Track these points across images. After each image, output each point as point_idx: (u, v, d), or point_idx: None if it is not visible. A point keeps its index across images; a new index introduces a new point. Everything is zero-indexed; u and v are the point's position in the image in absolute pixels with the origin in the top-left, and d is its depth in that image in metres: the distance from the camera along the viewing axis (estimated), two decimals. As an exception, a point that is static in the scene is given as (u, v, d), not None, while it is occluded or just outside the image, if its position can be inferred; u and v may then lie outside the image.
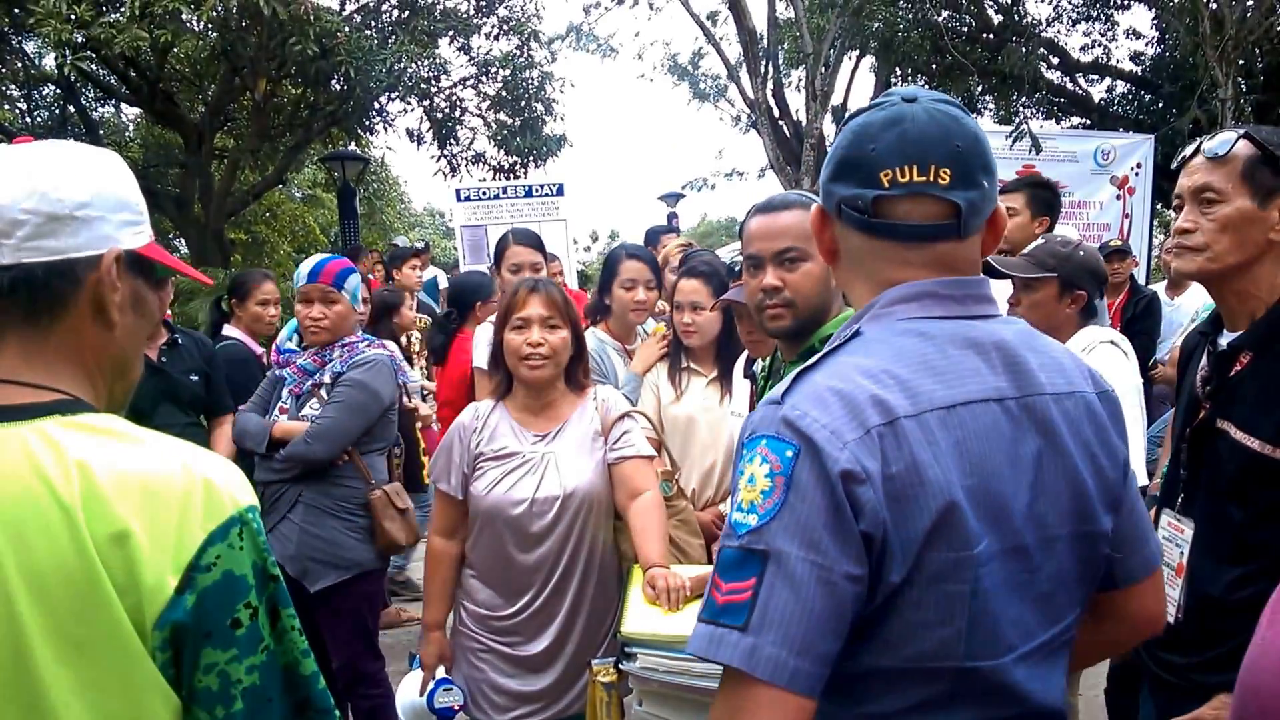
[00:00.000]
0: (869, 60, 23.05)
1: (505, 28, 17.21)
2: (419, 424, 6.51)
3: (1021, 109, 20.54)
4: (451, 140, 17.71)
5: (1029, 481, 1.54)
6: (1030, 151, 11.89)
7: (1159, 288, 8.08)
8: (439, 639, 3.58)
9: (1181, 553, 2.52)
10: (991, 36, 21.00)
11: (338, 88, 15.61)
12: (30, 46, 16.80)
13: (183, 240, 18.52)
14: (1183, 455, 2.56)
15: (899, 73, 21.84)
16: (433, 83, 16.73)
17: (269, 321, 6.17)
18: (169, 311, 5.70)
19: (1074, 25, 23.02)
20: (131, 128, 23.66)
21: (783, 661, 1.37)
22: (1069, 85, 23.03)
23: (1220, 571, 2.40)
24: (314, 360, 4.38)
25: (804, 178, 18.52)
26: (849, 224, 1.62)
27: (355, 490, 4.37)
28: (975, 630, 1.48)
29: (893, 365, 1.50)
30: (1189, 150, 2.50)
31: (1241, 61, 14.77)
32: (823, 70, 19.31)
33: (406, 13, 16.26)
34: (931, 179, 1.55)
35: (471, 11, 16.91)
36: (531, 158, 17.30)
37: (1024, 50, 16.46)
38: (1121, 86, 23.46)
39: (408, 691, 3.66)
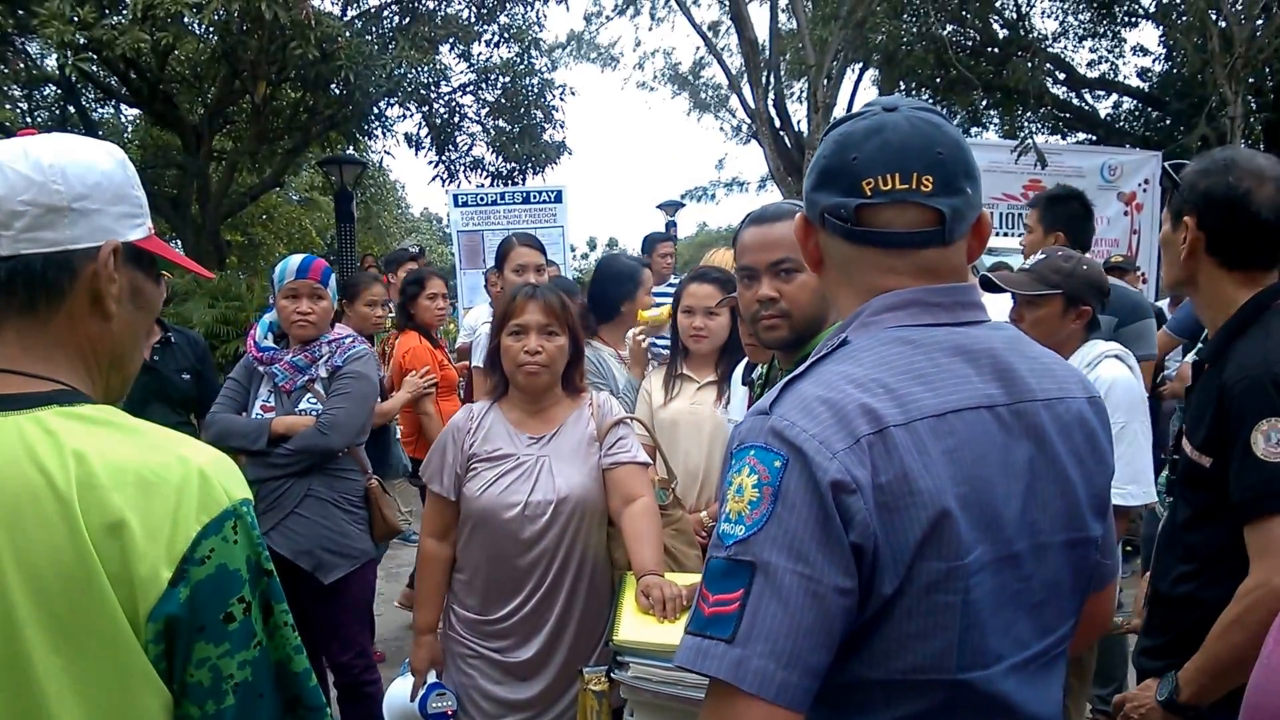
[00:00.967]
0: (872, 72, 23.11)
1: (506, 35, 17.25)
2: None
3: (1027, 124, 20.58)
4: (450, 146, 17.74)
5: (1021, 488, 1.54)
6: (1035, 166, 11.89)
7: (1165, 304, 8.07)
8: (430, 643, 3.55)
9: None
10: (996, 51, 21.06)
11: (337, 92, 15.66)
12: (33, 47, 16.80)
13: (179, 241, 18.49)
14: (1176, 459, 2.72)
15: (902, 86, 21.90)
16: (432, 88, 16.77)
17: (375, 321, 6.33)
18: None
19: (1080, 41, 23.12)
20: (131, 128, 23.69)
21: (770, 674, 1.36)
22: (1075, 101, 23.08)
23: (1168, 568, 2.61)
24: (305, 356, 4.40)
25: (805, 190, 18.54)
26: (833, 233, 1.61)
27: (356, 482, 4.50)
28: (967, 641, 1.47)
29: (881, 373, 1.49)
30: None
31: (1251, 80, 14.79)
32: (825, 82, 19.30)
33: (407, 19, 16.30)
34: (914, 186, 1.55)
35: (472, 19, 16.94)
36: (530, 164, 17.32)
37: (1030, 65, 16.48)
38: (1128, 103, 23.56)
39: (397, 696, 3.65)
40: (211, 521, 1.41)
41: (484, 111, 17.72)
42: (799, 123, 21.97)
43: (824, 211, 1.60)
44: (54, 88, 18.85)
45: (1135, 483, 3.54)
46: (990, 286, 3.55)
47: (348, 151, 19.05)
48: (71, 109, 18.77)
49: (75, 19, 11.81)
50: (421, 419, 6.37)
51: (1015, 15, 20.82)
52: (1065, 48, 22.90)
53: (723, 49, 25.57)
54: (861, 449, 1.41)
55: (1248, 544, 2.35)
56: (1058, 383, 1.64)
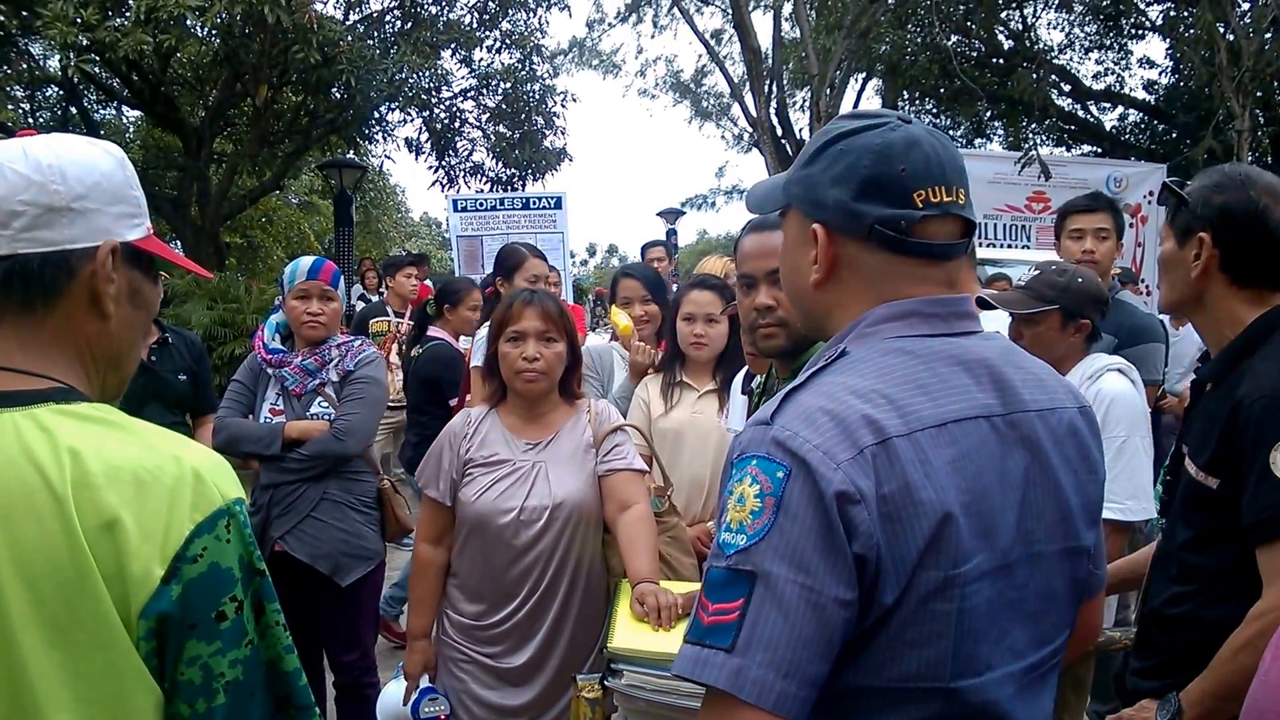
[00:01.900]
0: (875, 82, 23.12)
1: (508, 41, 17.27)
2: None
3: (1031, 135, 20.56)
4: (450, 151, 17.75)
5: (1017, 498, 1.54)
6: (1039, 178, 11.88)
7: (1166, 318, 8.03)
8: (424, 648, 3.54)
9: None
10: (1001, 61, 21.05)
11: (338, 96, 15.68)
12: (36, 48, 16.81)
13: (178, 242, 18.48)
14: (1170, 479, 2.72)
15: (906, 96, 21.89)
16: (433, 93, 16.77)
17: (474, 326, 6.36)
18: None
19: (1086, 53, 23.12)
20: (132, 130, 23.71)
21: (769, 684, 1.35)
22: (1080, 113, 23.07)
23: (1163, 587, 2.56)
24: (315, 360, 4.39)
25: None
26: (878, 243, 1.60)
27: (369, 483, 4.52)
28: (961, 650, 1.47)
29: (882, 384, 1.49)
30: None
31: (1259, 93, 14.77)
32: (828, 91, 19.32)
33: (409, 24, 16.33)
34: (955, 199, 1.60)
35: (474, 24, 16.96)
36: (530, 171, 17.33)
37: (1034, 76, 16.46)
38: (1134, 115, 23.52)
39: (390, 701, 3.63)
40: (205, 520, 1.41)
41: (485, 117, 17.73)
42: (801, 131, 22.01)
43: (875, 223, 1.58)
44: (56, 89, 18.87)
45: (1135, 498, 3.51)
46: (986, 306, 3.53)
47: (348, 155, 19.09)
48: (73, 110, 18.79)
49: (78, 20, 11.83)
50: None
51: (1021, 26, 20.79)
52: (1071, 59, 22.91)
53: (725, 57, 25.66)
54: (865, 459, 1.41)
55: (1261, 566, 2.30)
56: (1048, 393, 1.66)
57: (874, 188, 1.58)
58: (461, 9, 17.01)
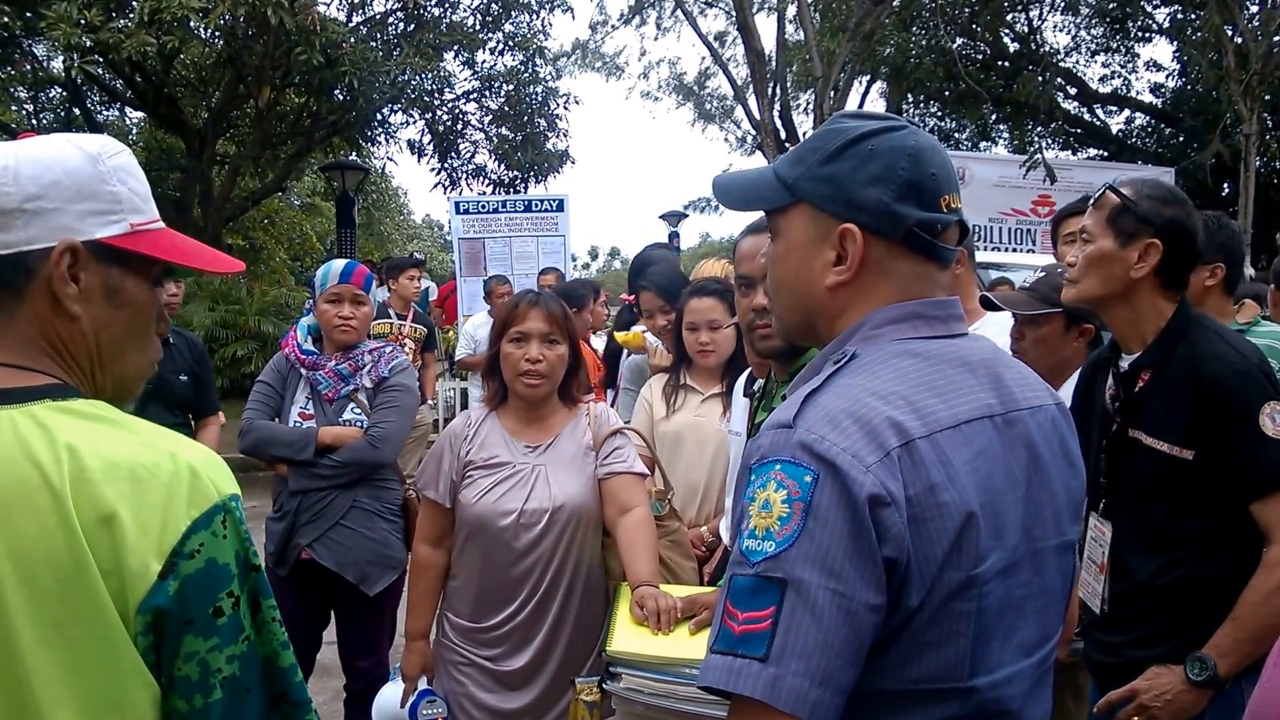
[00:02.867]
0: (880, 85, 23.12)
1: (510, 43, 17.28)
2: None
3: (1037, 138, 20.56)
4: (453, 153, 17.77)
5: (1020, 496, 1.55)
6: (1045, 181, 11.87)
7: None
8: (422, 649, 3.52)
9: (1103, 551, 2.90)
10: (1007, 64, 21.04)
11: (341, 98, 15.72)
12: (40, 49, 16.85)
13: (183, 244, 18.47)
14: (1101, 464, 2.91)
15: (910, 98, 21.88)
16: (436, 95, 16.80)
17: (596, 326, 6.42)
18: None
19: (1093, 56, 23.10)
20: (135, 131, 23.77)
21: (804, 693, 1.34)
22: (1086, 116, 23.05)
23: (1146, 561, 2.76)
24: (349, 365, 4.37)
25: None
26: (910, 246, 1.60)
27: (396, 491, 4.48)
28: (978, 649, 1.47)
29: (899, 386, 1.49)
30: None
31: (1267, 96, 14.74)
32: (832, 94, 19.32)
33: (412, 25, 16.34)
34: (959, 205, 1.63)
35: (477, 26, 16.97)
36: (532, 173, 17.35)
37: (1040, 79, 16.45)
38: (1141, 119, 23.50)
39: (388, 702, 3.62)
40: (201, 516, 1.41)
41: (487, 119, 17.77)
42: (804, 134, 21.95)
43: (914, 225, 1.58)
44: (60, 90, 18.96)
45: None
46: (990, 306, 3.54)
47: (350, 157, 19.13)
48: (76, 111, 18.85)
49: (82, 22, 11.87)
50: None
51: (1026, 29, 20.82)
52: (1077, 62, 22.92)
53: (729, 59, 25.67)
54: (892, 462, 1.40)
55: (1264, 518, 2.60)
56: (1034, 391, 1.68)
57: (913, 190, 1.58)
58: (464, 11, 17.06)
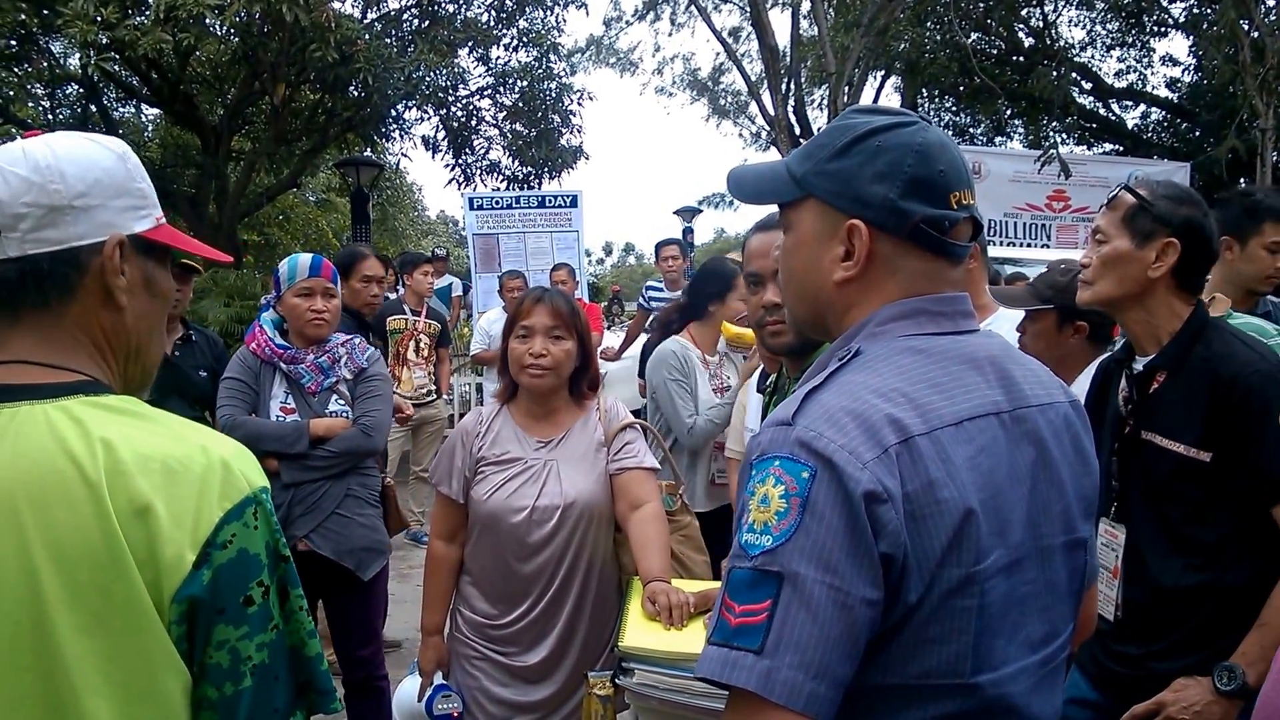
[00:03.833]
0: (894, 80, 23.04)
1: (525, 39, 17.26)
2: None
3: (1052, 133, 20.47)
4: (467, 149, 17.76)
5: (1026, 493, 1.56)
6: (1060, 176, 11.82)
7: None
8: (437, 644, 3.55)
9: (1116, 555, 2.86)
10: (1022, 59, 20.94)
11: (356, 94, 15.69)
12: (56, 46, 16.89)
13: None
14: (1113, 467, 2.88)
15: (925, 94, 21.79)
16: (450, 92, 16.77)
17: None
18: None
19: (1108, 51, 22.96)
20: (151, 128, 23.77)
21: (799, 685, 1.35)
22: (1102, 111, 22.93)
23: (1166, 565, 2.73)
24: (327, 358, 4.39)
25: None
26: (917, 242, 1.61)
27: (378, 479, 4.58)
28: (981, 645, 1.48)
29: (900, 383, 1.50)
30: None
31: (1284, 91, 14.62)
32: (846, 89, 19.27)
33: (427, 22, 16.33)
34: (973, 201, 1.64)
35: (492, 23, 16.96)
36: (546, 169, 17.34)
37: (1055, 74, 16.36)
38: (1157, 113, 23.37)
39: (404, 697, 3.64)
40: (233, 508, 1.46)
41: (501, 115, 17.71)
42: (818, 130, 21.89)
43: (921, 222, 1.59)
44: (76, 87, 18.95)
45: None
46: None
47: (365, 153, 19.12)
48: (93, 108, 18.85)
49: (98, 19, 11.88)
50: None
51: (1041, 24, 20.68)
52: (1093, 57, 22.79)
53: (743, 55, 25.64)
54: (890, 459, 1.42)
55: None
56: (1046, 388, 1.68)
57: (919, 187, 1.59)
58: (479, 7, 17.01)
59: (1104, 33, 22.66)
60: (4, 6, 13.11)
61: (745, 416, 4.27)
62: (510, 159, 17.87)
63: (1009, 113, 22.59)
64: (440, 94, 16.37)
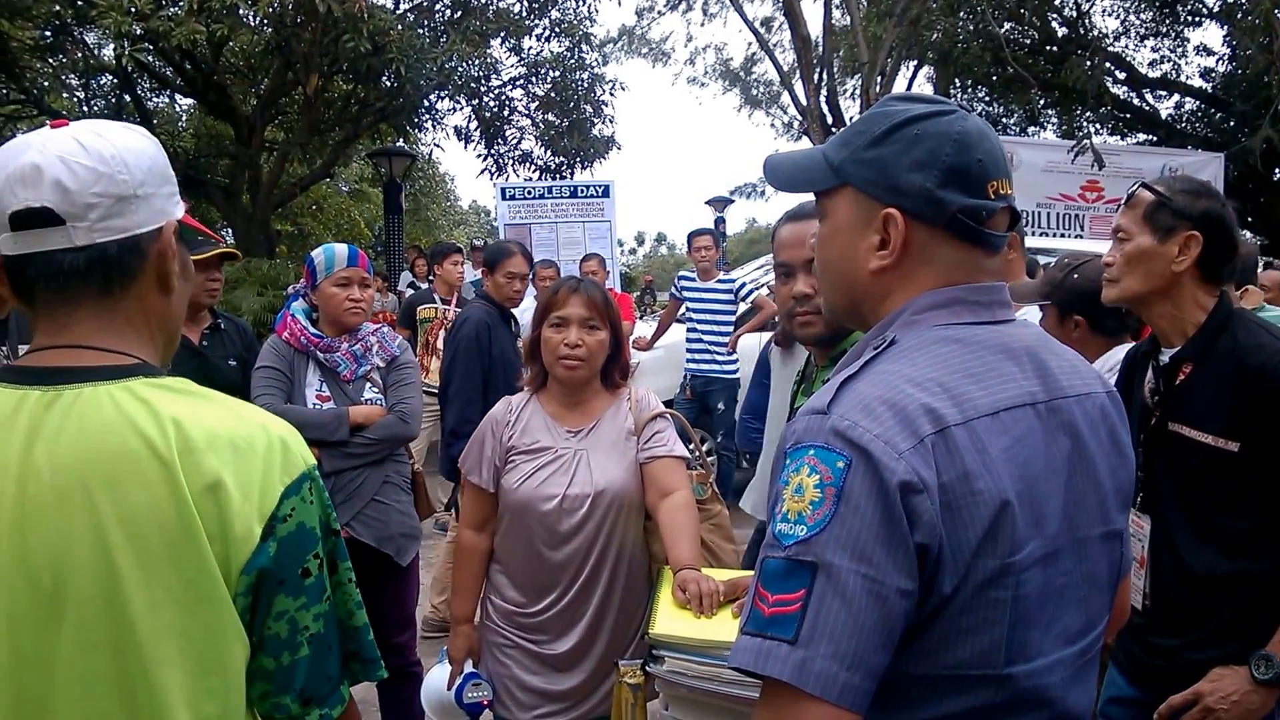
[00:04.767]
0: (926, 70, 22.92)
1: (557, 29, 17.27)
2: None
3: (1085, 123, 20.32)
4: (499, 139, 17.79)
5: (1061, 484, 1.54)
6: (1093, 166, 11.74)
7: None
8: (468, 632, 3.55)
9: (1143, 546, 2.87)
10: (1055, 49, 20.77)
11: (388, 84, 15.75)
12: (91, 37, 17.02)
13: (230, 230, 18.68)
14: (1139, 458, 2.78)
15: (958, 84, 21.66)
16: (482, 82, 16.80)
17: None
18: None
19: (1142, 40, 22.75)
20: (184, 118, 23.94)
21: (833, 675, 1.34)
22: (1135, 101, 22.74)
23: (1197, 554, 2.73)
24: (360, 346, 4.42)
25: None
26: (954, 232, 1.60)
27: (408, 465, 4.62)
28: (1015, 637, 1.47)
29: (937, 373, 1.49)
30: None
31: (1319, 81, 14.47)
32: (879, 79, 19.19)
33: (459, 12, 16.36)
34: (1010, 191, 1.63)
35: (524, 13, 16.98)
36: (579, 159, 17.34)
37: (1089, 64, 16.23)
38: (1191, 103, 23.15)
39: (434, 685, 3.65)
40: (293, 483, 1.55)
41: (533, 105, 17.75)
42: (851, 120, 21.83)
43: (958, 211, 1.58)
44: (110, 77, 19.11)
45: None
46: None
47: (397, 144, 19.20)
48: (127, 98, 19.00)
49: (132, 10, 11.98)
50: None
51: (1075, 13, 20.53)
52: (1126, 47, 22.57)
53: (775, 45, 25.56)
54: (925, 449, 1.41)
55: None
56: (1082, 379, 1.67)
57: (957, 176, 1.58)
58: (511, -2, 17.03)
59: (1138, 22, 22.45)
60: (39, -2, 13.22)
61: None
62: (542, 149, 17.91)
63: (1042, 103, 22.40)
64: (472, 84, 16.41)
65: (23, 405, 1.48)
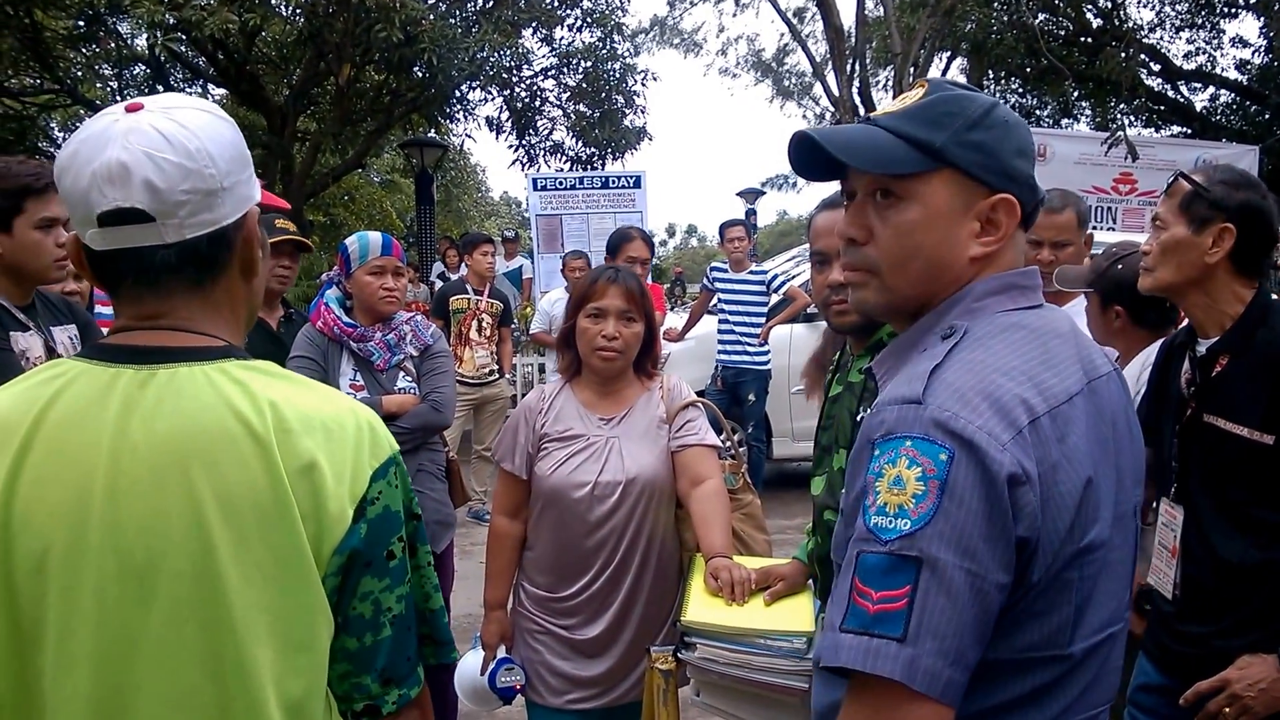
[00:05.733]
0: (960, 61, 22.82)
1: (589, 20, 17.23)
2: None
3: (1119, 115, 20.20)
4: (530, 130, 17.78)
5: (1112, 464, 1.55)
6: (1127, 159, 11.67)
7: None
8: (501, 618, 3.57)
9: (1175, 535, 2.88)
10: (1089, 40, 20.66)
11: (420, 75, 15.75)
12: (124, 27, 17.08)
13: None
14: (1173, 448, 2.90)
15: (991, 75, 21.56)
16: (514, 72, 16.79)
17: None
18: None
19: (1177, 32, 22.62)
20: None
21: (939, 673, 1.34)
22: (1170, 93, 22.59)
23: (1230, 543, 2.72)
24: (394, 335, 4.43)
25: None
26: (1029, 219, 1.64)
27: (442, 453, 4.64)
28: (1080, 616, 1.48)
29: (1018, 361, 1.49)
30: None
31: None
32: (911, 70, 19.11)
33: (491, 3, 16.34)
34: None
35: (556, 3, 16.95)
36: (610, 149, 17.32)
37: (1123, 55, 16.12)
38: (1226, 96, 22.99)
39: (468, 670, 3.67)
40: (380, 466, 1.58)
41: (565, 96, 17.71)
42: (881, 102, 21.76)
43: (1042, 199, 1.64)
44: (143, 67, 19.16)
45: None
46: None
47: (429, 134, 19.22)
48: (160, 88, 19.06)
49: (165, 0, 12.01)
50: None
51: (1110, 4, 20.41)
52: (1161, 38, 22.44)
53: (807, 35, 25.48)
54: (1024, 440, 1.41)
55: None
56: (1103, 358, 1.67)
57: (1033, 165, 1.62)
58: (543, -13, 17.01)
59: (1173, 13, 22.31)
60: (73, -13, 13.30)
61: None
62: (574, 140, 17.86)
63: (1076, 94, 22.31)
64: (504, 74, 16.38)
65: (115, 382, 1.49)
